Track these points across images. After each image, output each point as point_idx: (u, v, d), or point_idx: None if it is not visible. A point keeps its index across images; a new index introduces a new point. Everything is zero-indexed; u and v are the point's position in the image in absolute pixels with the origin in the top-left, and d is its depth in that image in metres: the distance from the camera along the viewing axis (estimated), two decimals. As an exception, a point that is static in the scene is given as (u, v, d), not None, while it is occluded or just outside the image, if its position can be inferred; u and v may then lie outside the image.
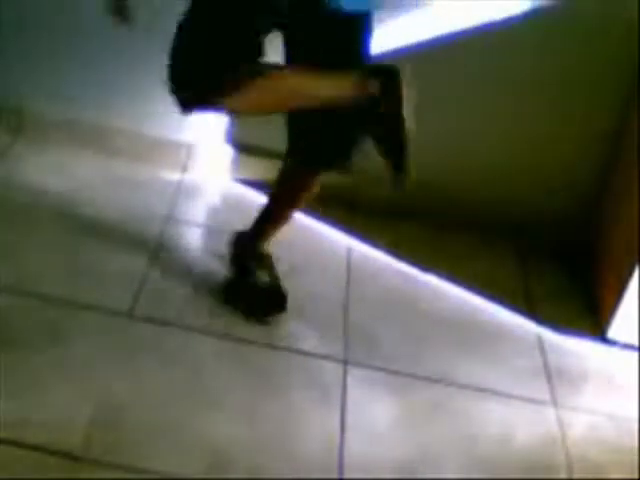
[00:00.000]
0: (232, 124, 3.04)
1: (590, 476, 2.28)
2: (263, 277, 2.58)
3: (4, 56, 2.96)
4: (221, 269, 2.67)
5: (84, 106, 3.03)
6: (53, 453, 2.03)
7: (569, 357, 2.67)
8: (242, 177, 3.09)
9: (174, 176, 3.06)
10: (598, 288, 2.89)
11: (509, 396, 2.48)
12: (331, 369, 2.44)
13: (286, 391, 2.34)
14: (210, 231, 2.91)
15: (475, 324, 2.71)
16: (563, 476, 2.27)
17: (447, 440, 2.30)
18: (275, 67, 2.19)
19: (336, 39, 2.19)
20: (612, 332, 2.73)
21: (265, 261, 2.61)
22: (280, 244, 2.86)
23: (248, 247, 2.60)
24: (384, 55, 2.68)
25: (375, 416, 2.33)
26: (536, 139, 2.94)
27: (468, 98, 2.90)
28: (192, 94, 2.14)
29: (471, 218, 2.89)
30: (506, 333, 2.71)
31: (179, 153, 3.09)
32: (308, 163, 2.41)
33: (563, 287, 2.95)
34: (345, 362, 2.47)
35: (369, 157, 3.02)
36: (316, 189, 2.47)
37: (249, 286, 2.58)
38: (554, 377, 2.57)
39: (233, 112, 2.54)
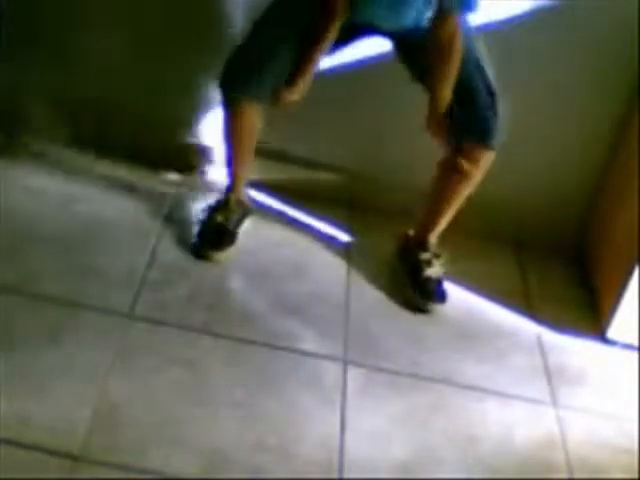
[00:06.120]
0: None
1: (590, 476, 2.28)
2: None
3: (3, 55, 2.96)
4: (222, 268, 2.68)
5: (84, 105, 3.04)
6: (53, 453, 2.03)
7: (569, 357, 2.67)
8: (242, 177, 3.09)
9: (174, 176, 3.07)
10: (598, 288, 2.88)
11: (509, 396, 2.48)
12: (331, 369, 2.44)
13: (286, 391, 2.34)
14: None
15: (475, 324, 2.71)
16: (563, 476, 2.27)
17: (447, 440, 2.30)
18: None
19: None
20: (612, 332, 2.73)
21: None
22: (280, 244, 2.87)
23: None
24: (386, 56, 2.68)
25: (375, 416, 2.33)
26: (535, 139, 2.94)
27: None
28: None
29: (471, 218, 2.88)
30: (506, 333, 2.71)
31: (179, 153, 3.09)
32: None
33: (563, 287, 2.95)
34: (345, 362, 2.47)
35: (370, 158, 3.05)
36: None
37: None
38: (554, 377, 2.57)
39: None
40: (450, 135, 2.57)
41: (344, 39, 2.51)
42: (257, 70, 2.49)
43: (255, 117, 2.63)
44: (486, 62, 2.51)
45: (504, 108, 2.53)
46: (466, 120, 2.54)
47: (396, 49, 2.58)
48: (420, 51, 2.48)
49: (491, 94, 2.51)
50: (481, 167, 2.60)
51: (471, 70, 2.48)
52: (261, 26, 2.50)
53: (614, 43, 2.75)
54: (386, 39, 2.57)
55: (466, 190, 2.65)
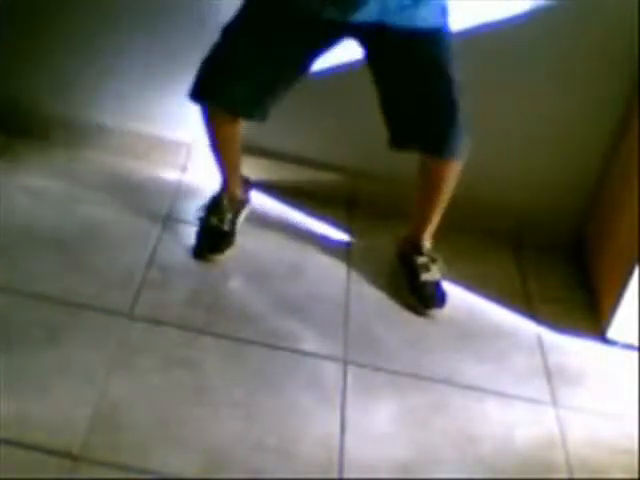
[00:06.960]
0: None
1: (590, 476, 2.28)
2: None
3: (3, 54, 2.96)
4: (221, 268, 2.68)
5: (84, 106, 3.04)
6: (53, 453, 2.03)
7: (569, 357, 2.67)
8: (242, 177, 3.09)
9: (174, 176, 3.07)
10: (598, 288, 2.88)
11: (509, 396, 2.48)
12: (331, 369, 2.44)
13: (286, 391, 2.34)
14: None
15: (475, 324, 2.71)
16: (563, 476, 2.27)
17: (447, 440, 2.30)
18: None
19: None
20: (612, 332, 2.72)
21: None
22: (280, 244, 2.87)
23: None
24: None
25: (375, 416, 2.32)
26: (535, 139, 2.94)
27: (467, 98, 2.89)
28: None
29: (470, 218, 2.89)
30: (506, 333, 2.70)
31: (179, 153, 3.09)
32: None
33: (563, 287, 2.95)
34: (345, 362, 2.47)
35: (369, 157, 3.05)
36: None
37: None
38: (554, 377, 2.57)
39: None
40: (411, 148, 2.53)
41: (320, 42, 2.46)
42: (224, 78, 2.46)
43: (232, 123, 2.61)
44: (452, 68, 2.42)
45: (465, 115, 2.46)
46: (424, 134, 2.48)
47: (365, 50, 2.50)
48: (387, 56, 2.44)
49: (452, 104, 2.42)
50: (449, 179, 2.57)
51: (433, 81, 2.40)
52: (229, 34, 2.43)
53: (614, 43, 2.75)
54: (356, 40, 2.49)
55: (445, 196, 2.62)
